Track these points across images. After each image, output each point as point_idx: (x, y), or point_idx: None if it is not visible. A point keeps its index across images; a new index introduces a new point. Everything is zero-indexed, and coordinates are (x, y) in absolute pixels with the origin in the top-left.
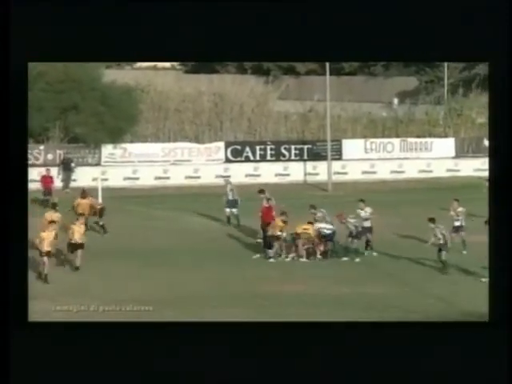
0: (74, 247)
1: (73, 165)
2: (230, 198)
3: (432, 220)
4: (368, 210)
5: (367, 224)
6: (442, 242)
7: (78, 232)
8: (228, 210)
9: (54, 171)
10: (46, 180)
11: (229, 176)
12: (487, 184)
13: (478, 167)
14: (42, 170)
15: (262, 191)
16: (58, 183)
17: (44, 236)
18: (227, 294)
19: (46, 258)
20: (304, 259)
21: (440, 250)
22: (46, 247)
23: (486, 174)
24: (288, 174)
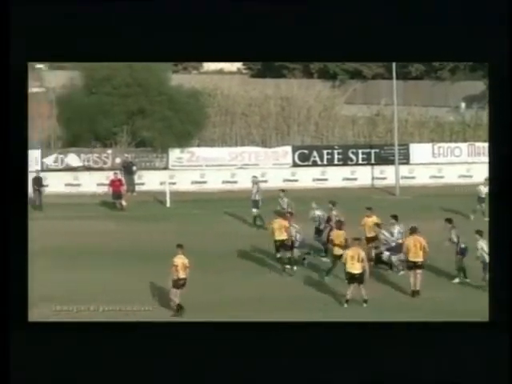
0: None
1: (134, 168)
2: (254, 198)
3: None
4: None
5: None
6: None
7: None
8: (255, 210)
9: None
10: (115, 184)
11: (295, 180)
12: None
13: None
14: (109, 174)
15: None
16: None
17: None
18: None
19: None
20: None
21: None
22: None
23: None
24: (355, 179)
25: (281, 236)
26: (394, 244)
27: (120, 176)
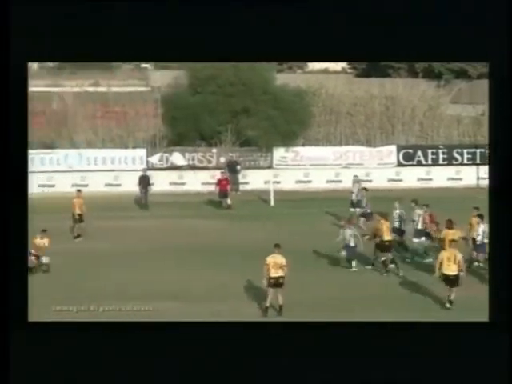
0: None
1: (239, 167)
2: (354, 198)
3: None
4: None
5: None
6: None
7: None
8: (352, 210)
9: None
10: (222, 183)
11: (399, 179)
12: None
13: None
14: (214, 173)
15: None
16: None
17: None
18: None
19: None
20: None
21: None
22: None
23: None
24: (460, 179)
25: (388, 237)
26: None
27: (226, 175)
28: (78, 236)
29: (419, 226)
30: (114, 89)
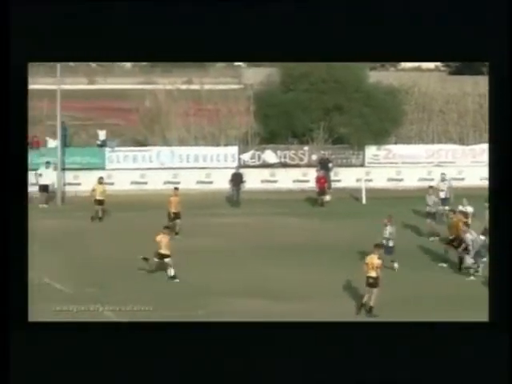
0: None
1: (330, 165)
2: (441, 196)
3: None
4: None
5: None
6: None
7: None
8: (441, 207)
9: (313, 172)
10: (320, 181)
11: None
12: None
13: None
14: (307, 171)
15: None
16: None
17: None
18: None
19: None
20: None
21: None
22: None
23: None
24: None
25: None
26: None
27: (324, 173)
28: (176, 234)
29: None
30: (207, 86)
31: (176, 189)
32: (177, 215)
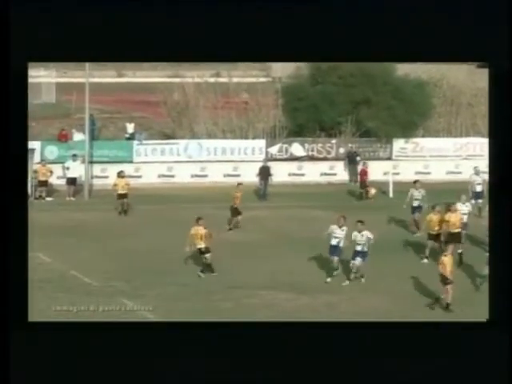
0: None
1: (358, 158)
2: (474, 189)
3: None
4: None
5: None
6: None
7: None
8: (473, 201)
9: (340, 165)
10: (362, 173)
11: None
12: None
13: None
14: (333, 164)
15: None
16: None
17: None
18: None
19: None
20: None
21: None
22: None
23: None
24: None
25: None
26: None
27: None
28: (230, 229)
29: None
30: (235, 79)
31: (240, 184)
32: (238, 211)
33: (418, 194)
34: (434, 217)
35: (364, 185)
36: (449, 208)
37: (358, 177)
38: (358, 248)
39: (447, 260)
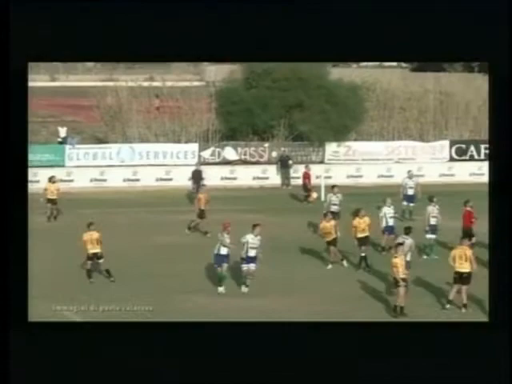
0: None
1: (290, 162)
2: (408, 193)
3: None
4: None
5: None
6: None
7: None
8: (405, 204)
9: (272, 169)
10: (305, 176)
11: (451, 174)
12: None
13: None
14: (266, 168)
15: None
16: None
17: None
18: None
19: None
20: None
21: None
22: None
23: None
24: None
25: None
26: None
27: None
28: (189, 229)
29: (432, 222)
30: (169, 83)
31: (203, 185)
32: (204, 214)
33: (335, 198)
34: (327, 224)
35: (306, 188)
36: (357, 214)
37: (301, 180)
38: (252, 253)
39: (398, 261)
